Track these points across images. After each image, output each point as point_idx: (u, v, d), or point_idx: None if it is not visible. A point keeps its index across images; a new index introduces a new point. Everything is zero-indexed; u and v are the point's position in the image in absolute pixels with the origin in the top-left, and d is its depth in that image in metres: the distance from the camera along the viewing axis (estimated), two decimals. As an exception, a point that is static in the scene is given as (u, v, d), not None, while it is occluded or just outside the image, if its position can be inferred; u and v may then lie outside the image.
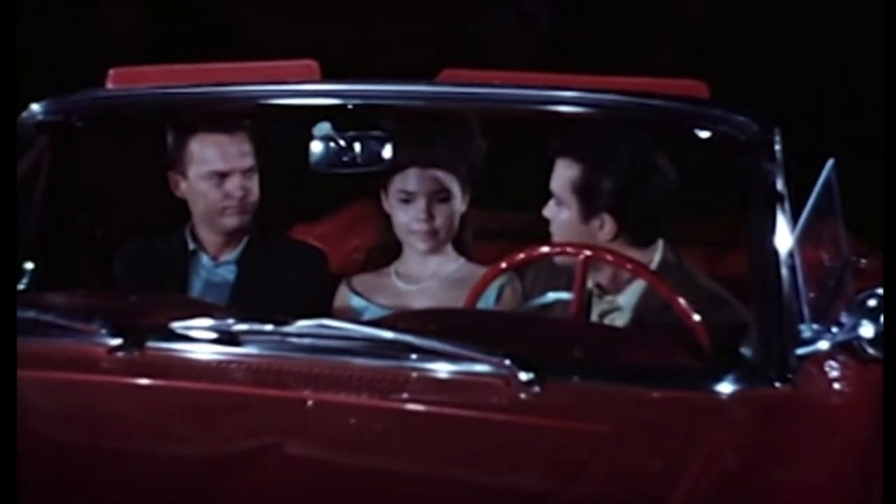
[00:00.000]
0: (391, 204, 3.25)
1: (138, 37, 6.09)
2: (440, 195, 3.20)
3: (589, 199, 2.98)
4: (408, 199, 3.20)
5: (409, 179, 3.20)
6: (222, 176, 3.27)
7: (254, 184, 3.31)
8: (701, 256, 3.30)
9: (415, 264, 3.28)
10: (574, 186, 2.99)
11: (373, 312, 3.20)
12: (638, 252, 2.97)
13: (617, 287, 3.02)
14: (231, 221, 3.31)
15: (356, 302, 3.28)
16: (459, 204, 3.25)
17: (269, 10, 6.54)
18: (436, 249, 3.25)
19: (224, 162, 3.27)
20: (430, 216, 3.20)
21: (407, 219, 3.22)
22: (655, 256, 3.01)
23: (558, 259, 3.03)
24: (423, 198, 3.19)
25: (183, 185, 3.32)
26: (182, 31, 6.07)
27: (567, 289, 2.93)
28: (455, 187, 3.22)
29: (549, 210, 3.05)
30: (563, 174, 3.01)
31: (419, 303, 3.22)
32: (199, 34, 6.05)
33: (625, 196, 2.97)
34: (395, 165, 3.11)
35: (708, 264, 3.28)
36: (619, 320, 3.00)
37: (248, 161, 3.30)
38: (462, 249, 3.31)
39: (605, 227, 2.98)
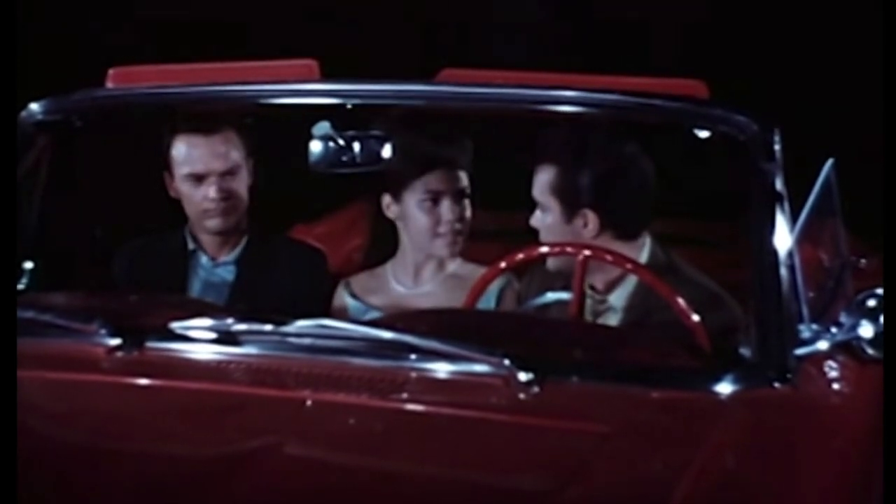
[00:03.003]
0: (408, 209, 3.21)
1: (138, 37, 6.09)
2: (462, 195, 3.18)
3: (569, 198, 2.99)
4: (436, 199, 3.16)
5: (435, 180, 3.16)
6: (199, 178, 3.26)
7: (236, 185, 3.28)
8: (696, 257, 3.30)
9: (411, 265, 3.27)
10: (553, 188, 3.01)
11: (370, 316, 3.19)
12: (625, 247, 2.98)
13: (608, 287, 3.02)
14: (213, 223, 3.29)
15: (354, 307, 3.27)
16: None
17: (270, 9, 6.54)
18: (457, 253, 3.22)
19: (199, 164, 3.25)
20: (460, 217, 3.18)
21: (431, 222, 3.17)
22: (643, 253, 3.02)
23: (552, 262, 3.03)
24: (449, 198, 3.16)
25: (174, 186, 3.33)
26: (184, 31, 6.07)
27: (563, 290, 2.94)
28: (468, 186, 3.21)
29: (536, 219, 3.07)
30: (542, 179, 3.04)
31: (417, 305, 3.21)
32: (201, 34, 6.04)
33: (603, 189, 2.98)
34: (422, 167, 3.11)
35: (703, 265, 3.27)
36: (612, 320, 3.00)
37: (226, 164, 3.26)
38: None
39: (588, 224, 2.99)
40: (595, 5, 6.77)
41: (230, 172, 3.27)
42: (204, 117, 3.26)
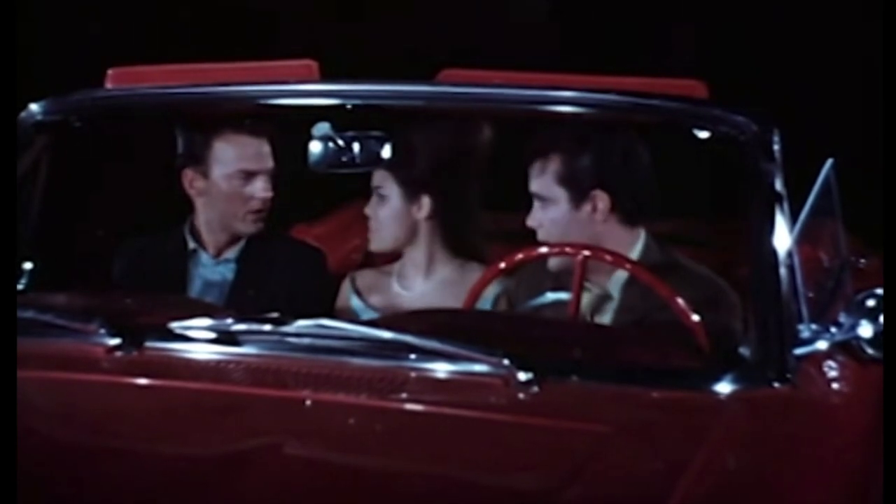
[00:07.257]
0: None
1: (138, 36, 6.09)
2: (377, 192, 3.23)
3: (577, 183, 2.98)
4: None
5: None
6: (249, 175, 3.28)
7: (270, 188, 3.32)
8: (696, 257, 3.30)
9: (412, 266, 3.28)
10: (559, 177, 2.99)
11: (369, 316, 3.20)
12: (624, 233, 2.98)
13: (604, 275, 3.01)
14: (245, 226, 3.31)
15: (356, 303, 3.29)
16: (398, 205, 3.23)
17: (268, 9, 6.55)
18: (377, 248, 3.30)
19: (252, 162, 3.28)
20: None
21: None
22: (638, 243, 3.01)
23: (551, 262, 3.02)
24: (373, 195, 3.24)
25: (200, 184, 3.32)
26: (182, 30, 6.08)
27: (559, 289, 2.93)
28: (391, 188, 3.21)
29: (534, 218, 3.04)
30: (546, 171, 3.01)
31: (415, 305, 3.21)
32: (201, 33, 6.05)
33: (613, 166, 2.98)
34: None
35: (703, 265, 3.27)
36: (609, 308, 3.00)
37: (272, 163, 3.31)
38: (465, 253, 3.29)
39: (599, 206, 2.98)
40: (595, 5, 6.78)
41: (272, 173, 3.30)
42: (247, 117, 3.28)
